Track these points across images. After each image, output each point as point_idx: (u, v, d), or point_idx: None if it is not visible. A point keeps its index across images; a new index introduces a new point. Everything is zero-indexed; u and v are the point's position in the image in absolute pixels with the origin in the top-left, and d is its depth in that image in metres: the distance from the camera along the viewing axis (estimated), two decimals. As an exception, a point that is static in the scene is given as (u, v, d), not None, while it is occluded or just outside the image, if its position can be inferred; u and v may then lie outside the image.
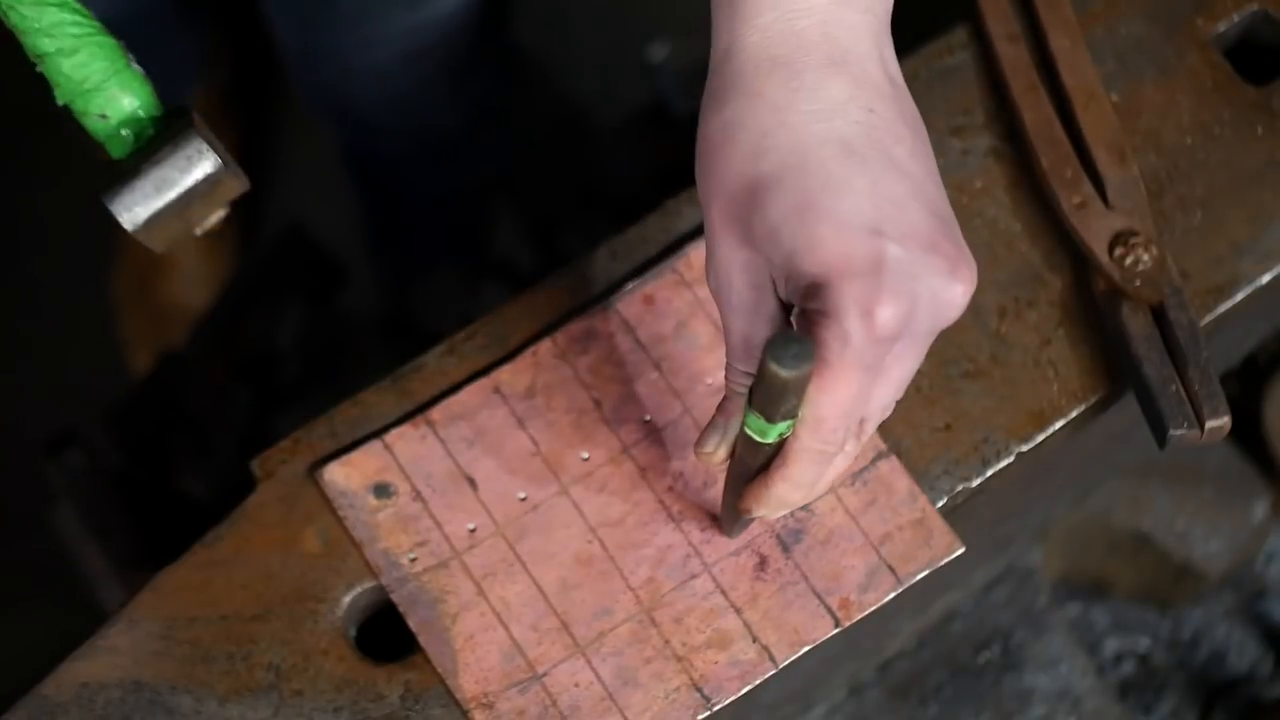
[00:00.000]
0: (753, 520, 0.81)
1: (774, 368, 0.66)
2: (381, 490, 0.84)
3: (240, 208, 1.92)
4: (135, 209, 0.71)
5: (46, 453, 1.32)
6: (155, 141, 0.71)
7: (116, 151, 0.71)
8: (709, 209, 0.72)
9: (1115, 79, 0.93)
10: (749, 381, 0.72)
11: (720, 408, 0.75)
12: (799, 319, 0.71)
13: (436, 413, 0.85)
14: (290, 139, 1.82)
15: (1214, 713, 1.15)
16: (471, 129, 1.44)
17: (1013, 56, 0.92)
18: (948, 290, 0.70)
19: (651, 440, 0.84)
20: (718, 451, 0.76)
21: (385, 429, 0.85)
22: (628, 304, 0.87)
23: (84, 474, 1.31)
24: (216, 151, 0.71)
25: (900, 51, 0.93)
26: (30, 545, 1.49)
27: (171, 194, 0.71)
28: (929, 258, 0.69)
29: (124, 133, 0.71)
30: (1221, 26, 0.94)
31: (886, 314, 0.68)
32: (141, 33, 1.56)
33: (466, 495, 0.83)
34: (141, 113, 0.71)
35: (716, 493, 0.83)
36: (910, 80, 0.93)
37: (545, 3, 1.62)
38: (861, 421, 0.73)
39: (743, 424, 0.73)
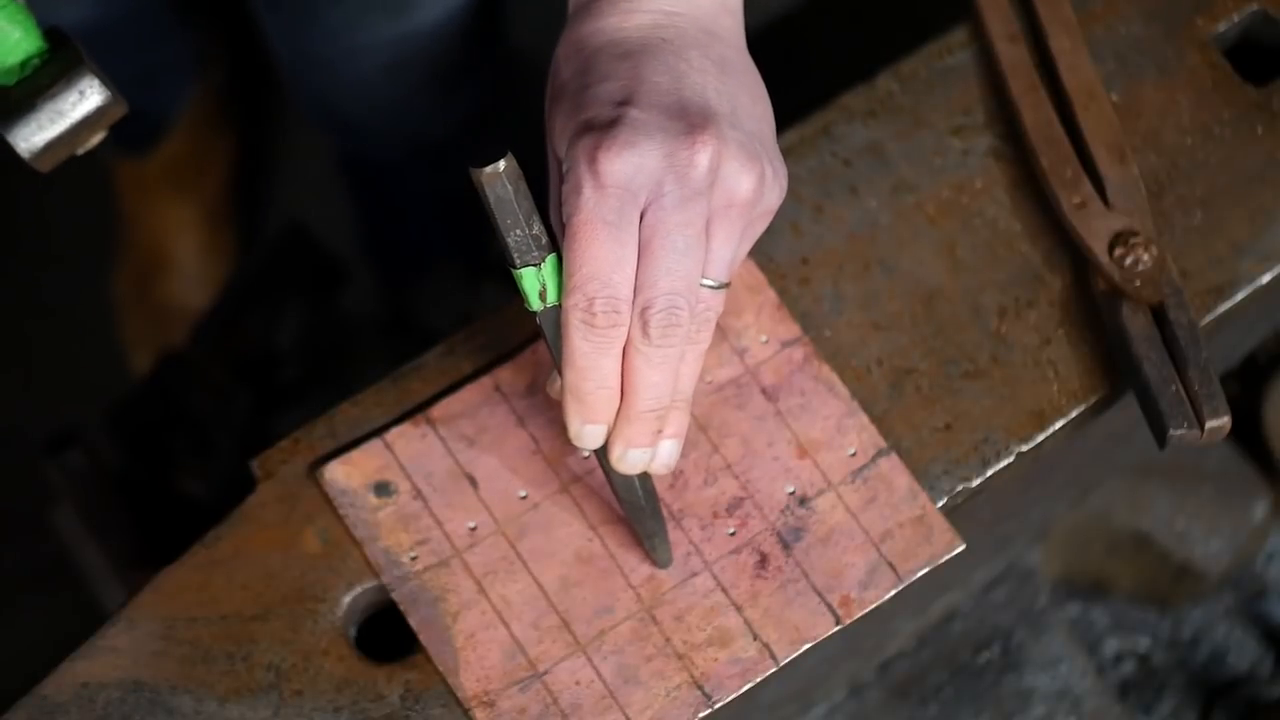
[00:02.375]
0: (655, 525, 0.80)
1: (473, 173, 0.70)
2: (382, 489, 0.84)
3: (240, 208, 1.93)
4: (32, 139, 0.75)
5: (47, 453, 1.32)
6: (43, 72, 0.75)
7: (3, 80, 0.75)
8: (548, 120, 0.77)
9: (1115, 79, 0.93)
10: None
11: None
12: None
13: (437, 411, 0.85)
14: (289, 139, 1.82)
15: (1214, 713, 1.15)
16: (465, 134, 1.44)
17: (1013, 56, 0.92)
18: (684, 149, 0.72)
19: None
20: (555, 381, 0.77)
21: (385, 428, 0.85)
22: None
23: (84, 474, 1.30)
24: (104, 82, 0.75)
25: (900, 51, 0.94)
26: (30, 545, 1.49)
27: (65, 124, 0.75)
28: (667, 121, 0.72)
29: (11, 62, 0.75)
30: (1221, 26, 0.95)
31: (608, 159, 0.71)
32: (140, 33, 1.57)
33: (467, 494, 0.83)
34: (27, 44, 0.75)
35: (717, 491, 0.83)
36: (910, 80, 0.93)
37: (545, 3, 1.62)
38: (644, 311, 0.72)
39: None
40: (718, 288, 0.75)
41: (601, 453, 0.77)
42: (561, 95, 0.76)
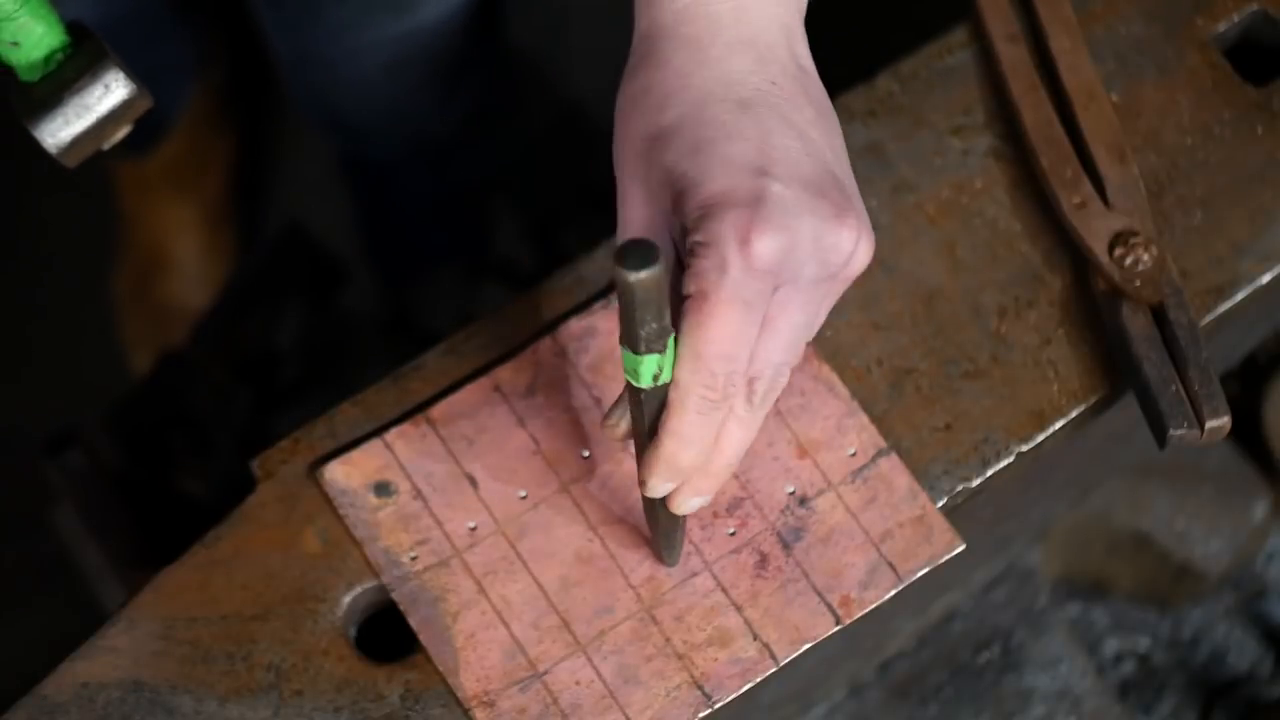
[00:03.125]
0: (680, 536, 0.80)
1: (620, 272, 0.66)
2: (382, 489, 0.84)
3: (240, 208, 1.93)
4: (59, 134, 0.75)
5: (46, 453, 1.32)
6: (68, 66, 0.75)
7: (27, 76, 0.75)
8: (619, 171, 0.74)
9: (1115, 79, 0.93)
10: None
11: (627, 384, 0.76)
12: (687, 257, 0.72)
13: (437, 411, 0.85)
14: (290, 139, 1.82)
15: (1214, 713, 1.15)
16: (467, 133, 1.44)
17: (1013, 56, 0.92)
18: (832, 234, 0.71)
19: None
20: (620, 424, 0.76)
21: (385, 428, 0.85)
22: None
23: (84, 474, 1.30)
24: (129, 75, 0.76)
25: (900, 51, 0.94)
26: (30, 545, 1.49)
27: (92, 119, 0.75)
28: (814, 200, 0.71)
29: (35, 57, 0.75)
30: (1221, 26, 0.95)
31: (763, 243, 0.69)
32: (140, 32, 1.57)
33: (467, 494, 0.83)
34: (51, 39, 0.75)
35: (717, 490, 0.83)
36: (910, 80, 0.93)
37: (545, 3, 1.62)
38: (751, 381, 0.72)
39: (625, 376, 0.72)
40: None
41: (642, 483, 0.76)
42: (669, 143, 0.72)
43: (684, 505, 0.77)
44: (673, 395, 0.72)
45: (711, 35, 0.73)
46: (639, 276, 0.66)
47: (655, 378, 0.71)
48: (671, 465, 0.74)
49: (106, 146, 0.78)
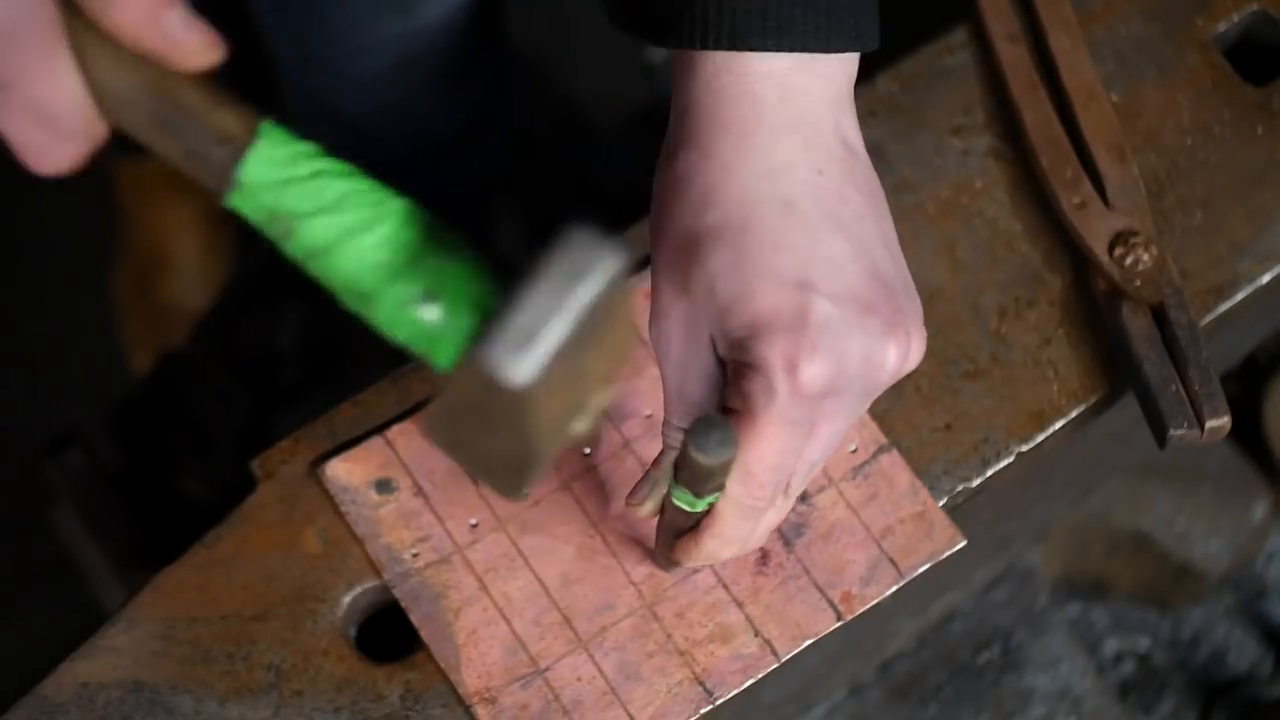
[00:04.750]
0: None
1: (695, 454, 0.66)
2: (383, 486, 0.84)
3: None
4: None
5: (47, 453, 1.32)
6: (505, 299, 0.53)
7: (444, 359, 0.54)
8: (655, 259, 0.72)
9: (1115, 79, 0.93)
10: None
11: (656, 460, 0.75)
12: (731, 374, 0.70)
13: (438, 409, 0.85)
14: (290, 139, 1.82)
15: (1214, 713, 1.15)
16: (468, 133, 1.44)
17: (1013, 56, 0.92)
18: (880, 352, 0.69)
19: (654, 435, 0.84)
20: (647, 505, 0.76)
21: (386, 426, 0.85)
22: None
23: (84, 474, 1.30)
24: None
25: (900, 51, 0.94)
26: (30, 545, 1.49)
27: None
28: (862, 317, 0.69)
29: (461, 323, 0.53)
30: (1221, 26, 0.95)
31: (813, 370, 0.67)
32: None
33: (468, 491, 0.83)
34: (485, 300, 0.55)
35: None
36: (910, 80, 0.93)
37: (545, 3, 1.62)
38: (790, 477, 0.72)
39: (669, 492, 0.73)
40: None
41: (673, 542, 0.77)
42: (715, 248, 0.69)
43: (698, 561, 0.77)
44: (721, 504, 0.72)
45: (756, 119, 0.70)
46: (716, 461, 0.67)
47: (709, 504, 0.72)
48: (711, 556, 0.75)
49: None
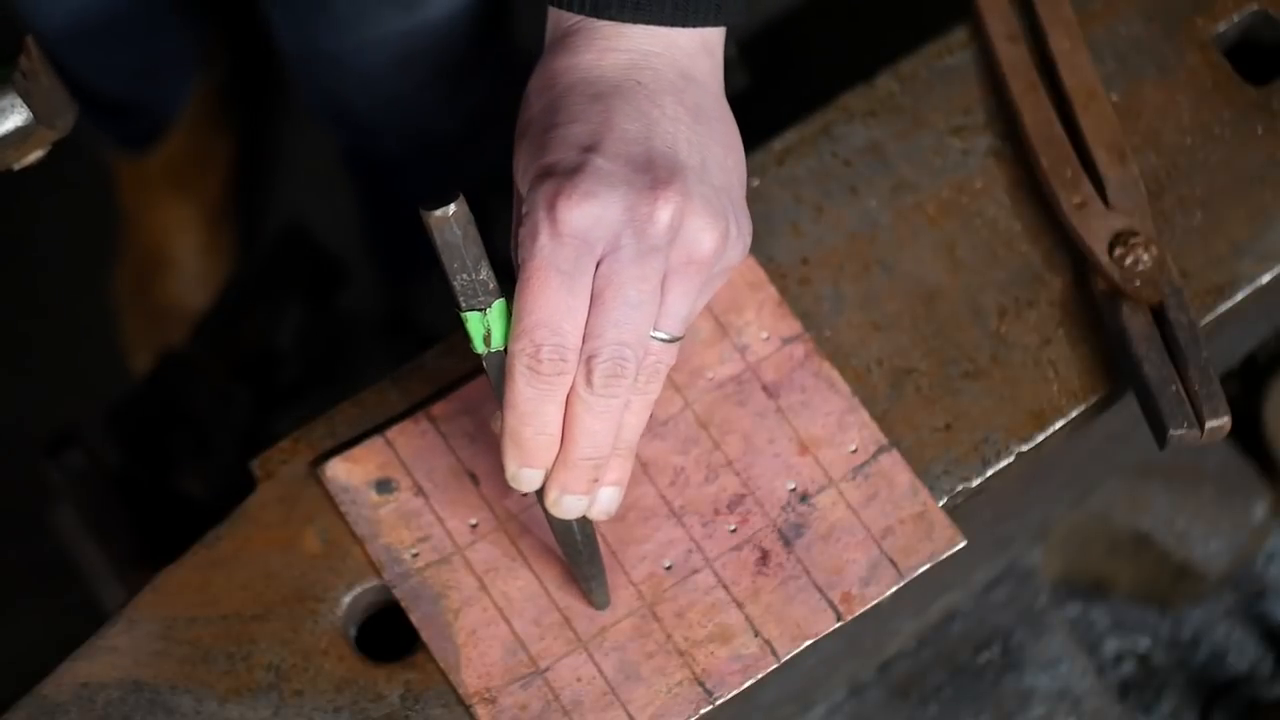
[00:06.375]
0: (596, 567, 0.80)
1: (423, 216, 0.69)
2: (383, 486, 0.84)
3: (240, 208, 1.93)
4: None
5: (46, 453, 1.32)
6: None
7: None
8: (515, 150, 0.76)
9: (1115, 79, 0.93)
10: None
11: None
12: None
13: (438, 408, 0.85)
14: (290, 138, 1.82)
15: (1214, 713, 1.15)
16: (470, 131, 1.44)
17: (1013, 56, 0.92)
18: (646, 204, 0.71)
19: (653, 435, 0.84)
20: (498, 420, 0.76)
21: (386, 425, 0.85)
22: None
23: (84, 474, 1.30)
24: (31, 102, 0.72)
25: (900, 51, 0.94)
26: (30, 545, 1.49)
27: None
28: (632, 173, 0.71)
29: None
30: (1221, 26, 0.95)
31: (567, 208, 0.70)
32: (141, 28, 1.57)
33: (468, 490, 0.83)
34: None
35: (718, 487, 0.83)
36: (910, 80, 0.93)
37: (545, 3, 1.62)
38: (589, 360, 0.72)
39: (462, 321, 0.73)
40: (670, 341, 0.74)
41: (539, 495, 0.77)
42: (527, 131, 0.75)
43: (558, 504, 0.76)
44: (508, 363, 0.73)
45: (588, 42, 0.75)
46: (434, 215, 0.69)
47: (486, 341, 0.73)
48: (517, 443, 0.74)
49: (16, 167, 0.75)
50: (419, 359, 0.87)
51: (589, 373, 0.72)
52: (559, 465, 0.75)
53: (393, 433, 0.85)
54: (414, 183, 1.51)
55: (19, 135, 0.73)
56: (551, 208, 0.70)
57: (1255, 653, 1.17)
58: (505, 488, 0.83)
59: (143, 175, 1.69)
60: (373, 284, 1.68)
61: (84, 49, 1.48)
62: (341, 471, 0.84)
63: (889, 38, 0.98)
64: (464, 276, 0.71)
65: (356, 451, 0.84)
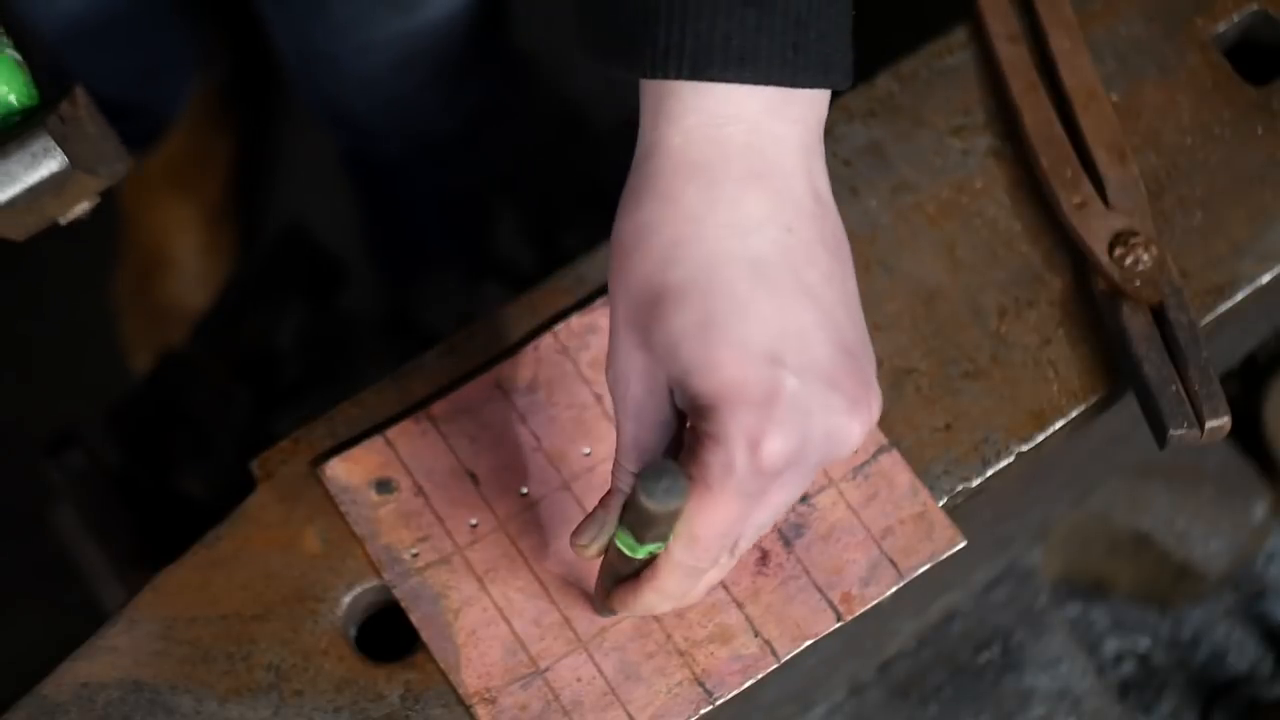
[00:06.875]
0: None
1: (643, 500, 0.66)
2: (383, 486, 0.84)
3: (240, 208, 1.93)
4: None
5: (46, 453, 1.32)
6: (13, 130, 0.68)
7: None
8: (615, 307, 0.71)
9: (1115, 79, 0.93)
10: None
11: (603, 501, 0.74)
12: (689, 434, 0.70)
13: (438, 408, 0.85)
14: (290, 138, 1.82)
15: (1214, 713, 1.15)
16: (470, 131, 1.45)
17: (1013, 56, 0.92)
18: (843, 429, 0.69)
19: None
20: (591, 546, 0.74)
21: (386, 425, 0.85)
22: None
23: (84, 474, 1.31)
24: (68, 147, 0.68)
25: (900, 51, 0.94)
26: (30, 545, 1.49)
27: (14, 189, 0.68)
28: (828, 395, 0.68)
29: None
30: (1221, 26, 0.95)
31: (774, 448, 0.66)
32: (141, 29, 1.57)
33: (468, 491, 0.83)
34: (13, 99, 0.69)
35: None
36: (910, 80, 0.93)
37: (546, 3, 1.62)
38: (736, 540, 0.71)
39: (614, 535, 0.72)
40: None
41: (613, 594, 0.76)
42: (680, 308, 0.67)
43: (636, 611, 0.76)
44: (664, 560, 0.71)
45: (724, 166, 0.68)
46: (663, 508, 0.66)
47: (651, 553, 0.72)
48: (648, 608, 0.74)
49: (63, 221, 0.71)
50: (419, 359, 0.87)
51: (734, 550, 0.72)
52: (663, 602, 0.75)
53: (393, 433, 0.85)
54: (412, 184, 1.51)
55: (54, 182, 0.69)
56: (755, 446, 0.66)
57: (1255, 653, 1.17)
58: (505, 488, 0.83)
59: (143, 176, 1.69)
60: (373, 284, 1.68)
61: (84, 50, 1.48)
62: (341, 471, 0.84)
63: (889, 38, 0.98)
64: (662, 530, 0.69)
65: (356, 451, 0.84)
